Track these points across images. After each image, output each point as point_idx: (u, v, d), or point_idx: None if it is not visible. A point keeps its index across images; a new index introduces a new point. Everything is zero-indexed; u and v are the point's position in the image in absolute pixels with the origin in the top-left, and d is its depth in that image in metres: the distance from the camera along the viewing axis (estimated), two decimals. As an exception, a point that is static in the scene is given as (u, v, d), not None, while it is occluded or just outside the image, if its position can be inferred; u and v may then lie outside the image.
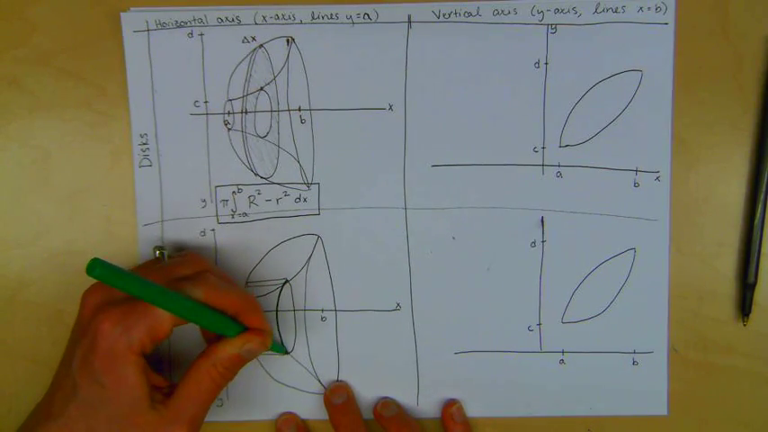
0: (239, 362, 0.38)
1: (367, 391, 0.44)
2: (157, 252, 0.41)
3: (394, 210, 0.43)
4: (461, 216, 0.43)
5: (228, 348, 0.38)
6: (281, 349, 0.43)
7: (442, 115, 0.42)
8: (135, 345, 0.35)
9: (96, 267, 0.33)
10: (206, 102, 0.42)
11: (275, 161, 0.43)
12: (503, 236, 0.43)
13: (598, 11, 0.41)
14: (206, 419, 0.39)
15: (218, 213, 0.43)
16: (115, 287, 0.34)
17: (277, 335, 0.43)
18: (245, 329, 0.39)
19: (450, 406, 0.43)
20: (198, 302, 0.37)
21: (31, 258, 0.43)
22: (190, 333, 0.42)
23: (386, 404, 0.43)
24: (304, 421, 0.44)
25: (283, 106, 0.43)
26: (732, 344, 0.43)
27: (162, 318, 0.36)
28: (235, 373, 0.39)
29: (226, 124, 0.43)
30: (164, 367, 0.44)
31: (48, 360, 0.44)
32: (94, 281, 0.36)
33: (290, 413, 0.44)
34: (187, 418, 0.37)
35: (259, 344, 0.38)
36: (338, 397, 0.43)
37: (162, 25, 0.42)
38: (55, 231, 0.43)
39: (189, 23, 0.42)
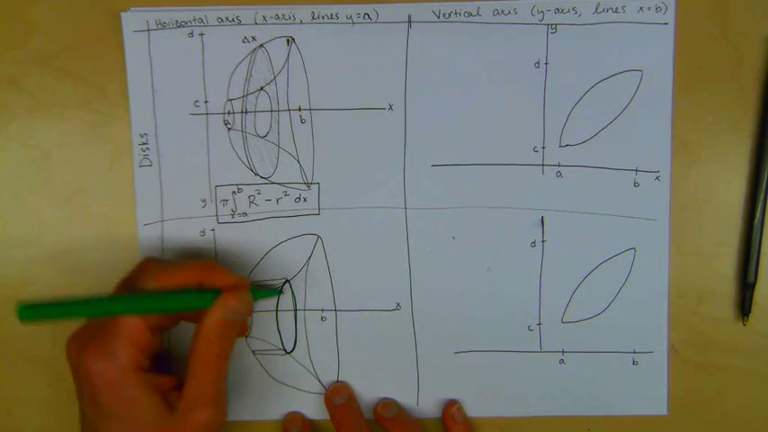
0: (229, 327, 0.37)
1: (367, 391, 0.44)
2: None
3: (394, 210, 0.43)
4: (461, 216, 0.43)
5: (212, 317, 0.36)
6: (273, 293, 0.42)
7: (441, 115, 0.42)
8: (126, 365, 0.35)
9: (24, 312, 0.32)
10: (206, 102, 0.42)
11: (275, 161, 0.43)
12: (503, 236, 0.43)
13: (598, 11, 0.41)
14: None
15: (218, 213, 0.43)
16: (54, 319, 0.33)
17: (276, 333, 0.44)
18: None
19: (451, 406, 0.43)
20: (155, 291, 0.36)
21: (31, 258, 0.43)
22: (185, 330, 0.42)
23: (386, 405, 0.43)
24: (311, 421, 0.44)
25: (283, 106, 0.43)
26: (732, 344, 0.43)
27: (134, 325, 0.35)
28: (233, 340, 0.37)
29: (226, 124, 0.43)
30: (164, 364, 0.43)
31: (48, 360, 0.44)
32: (78, 327, 0.37)
33: (297, 412, 0.44)
34: (207, 401, 0.36)
35: (237, 300, 0.37)
36: (339, 397, 0.43)
37: (162, 25, 0.42)
38: (55, 231, 0.43)
39: (189, 23, 0.42)
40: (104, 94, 0.43)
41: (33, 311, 0.32)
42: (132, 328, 0.35)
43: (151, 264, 0.38)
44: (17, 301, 0.32)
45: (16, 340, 0.44)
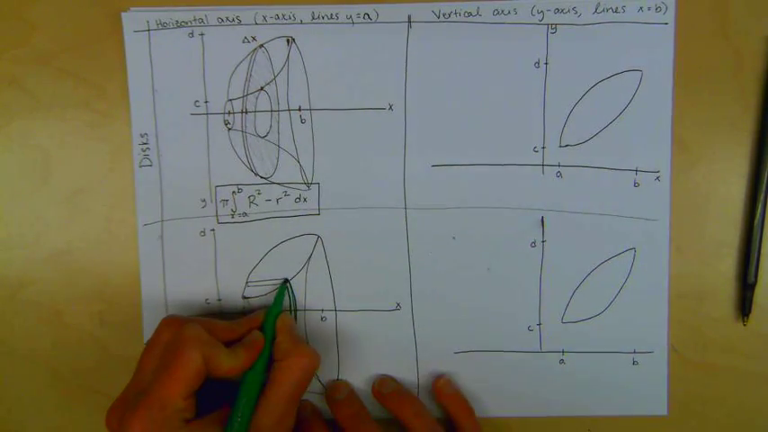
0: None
1: (367, 390, 0.44)
2: None
3: (394, 210, 0.43)
4: (461, 216, 0.43)
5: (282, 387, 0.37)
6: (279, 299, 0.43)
7: (442, 115, 0.42)
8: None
9: None
10: (206, 102, 0.42)
11: (275, 161, 0.43)
12: (503, 236, 0.43)
13: (598, 11, 0.41)
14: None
15: (218, 213, 0.43)
16: None
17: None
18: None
19: (438, 380, 0.43)
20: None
21: (31, 258, 0.43)
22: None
23: (383, 381, 0.43)
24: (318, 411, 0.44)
25: (283, 106, 0.43)
26: (732, 344, 0.43)
27: (172, 392, 0.35)
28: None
29: (226, 124, 0.43)
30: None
31: (48, 360, 0.44)
32: (118, 396, 0.37)
33: (305, 400, 0.44)
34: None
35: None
36: (339, 393, 0.43)
37: (162, 25, 0.42)
38: (55, 231, 0.43)
39: (189, 23, 0.42)
40: (104, 94, 0.43)
41: None
42: (170, 395, 0.35)
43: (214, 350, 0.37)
44: None
45: (16, 340, 0.44)
